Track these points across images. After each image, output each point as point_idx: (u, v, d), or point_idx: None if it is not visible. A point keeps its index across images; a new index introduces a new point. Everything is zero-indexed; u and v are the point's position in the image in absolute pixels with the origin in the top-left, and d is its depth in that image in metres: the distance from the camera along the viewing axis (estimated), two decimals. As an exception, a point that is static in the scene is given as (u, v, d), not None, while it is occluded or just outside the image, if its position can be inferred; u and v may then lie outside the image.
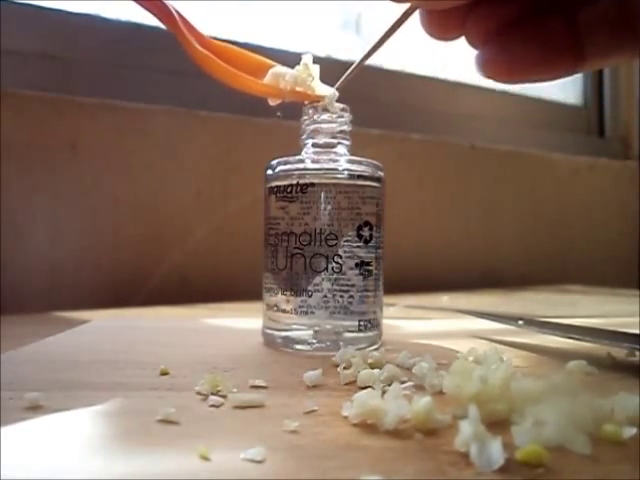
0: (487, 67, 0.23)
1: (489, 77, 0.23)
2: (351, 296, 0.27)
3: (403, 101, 0.82)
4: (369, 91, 0.76)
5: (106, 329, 0.34)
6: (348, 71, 0.28)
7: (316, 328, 0.28)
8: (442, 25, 0.23)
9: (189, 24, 0.27)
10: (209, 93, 0.64)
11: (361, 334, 0.28)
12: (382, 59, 0.80)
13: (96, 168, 0.56)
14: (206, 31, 0.28)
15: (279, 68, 0.29)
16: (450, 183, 0.81)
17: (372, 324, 0.28)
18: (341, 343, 0.27)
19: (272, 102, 0.29)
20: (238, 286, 0.58)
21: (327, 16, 0.77)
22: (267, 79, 0.29)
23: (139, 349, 0.28)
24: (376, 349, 0.28)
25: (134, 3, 0.25)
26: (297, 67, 0.28)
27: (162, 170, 0.59)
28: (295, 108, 0.29)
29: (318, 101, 0.29)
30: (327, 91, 0.29)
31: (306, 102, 0.29)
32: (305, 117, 0.29)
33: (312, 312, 0.27)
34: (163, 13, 0.26)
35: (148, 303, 0.53)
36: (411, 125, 0.79)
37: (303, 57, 0.28)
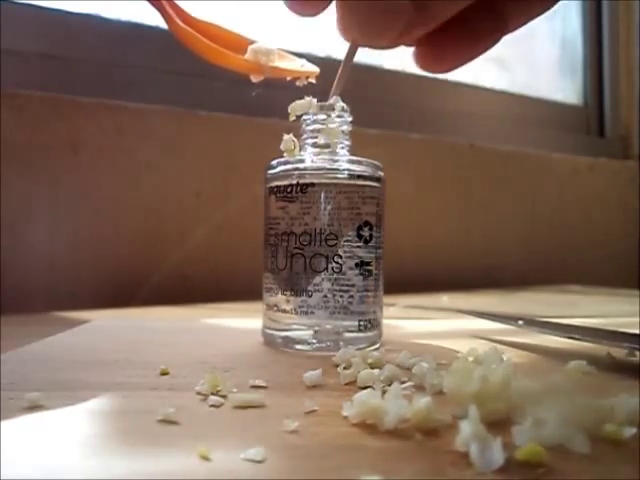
0: (423, 62, 0.25)
1: (427, 70, 0.25)
2: (351, 296, 0.27)
3: (403, 101, 0.82)
4: (369, 91, 0.76)
5: (106, 329, 0.34)
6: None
7: (316, 328, 0.27)
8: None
9: (171, 0, 0.28)
10: (209, 93, 0.64)
11: (361, 334, 0.28)
12: (382, 59, 0.80)
13: (96, 168, 0.56)
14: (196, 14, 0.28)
15: (259, 44, 0.29)
16: (450, 183, 0.81)
17: (372, 324, 0.28)
18: (341, 343, 0.27)
19: (254, 79, 0.29)
20: (238, 286, 0.58)
21: (327, 16, 0.77)
22: (247, 55, 0.29)
23: (139, 349, 0.28)
24: (376, 349, 0.28)
25: None
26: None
27: (162, 170, 0.59)
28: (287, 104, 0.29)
29: (299, 78, 0.29)
30: (310, 68, 0.29)
31: (288, 78, 0.29)
32: (305, 117, 0.29)
33: (312, 312, 0.27)
34: None
35: (148, 303, 0.53)
36: (411, 125, 0.79)
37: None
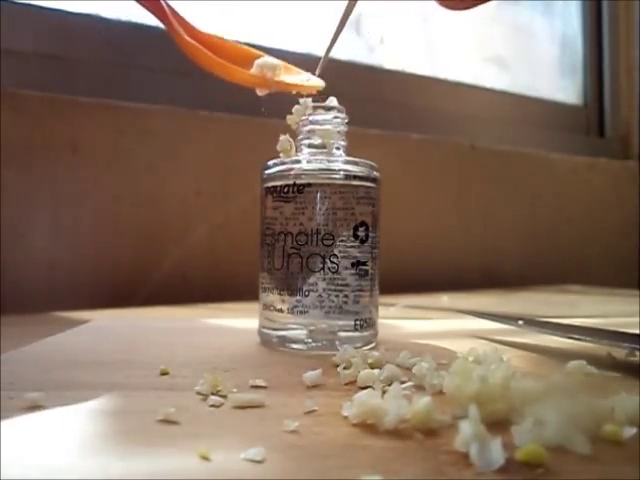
0: None
1: (447, 7, 0.24)
2: (347, 296, 0.28)
3: (403, 101, 0.81)
4: (369, 91, 0.76)
5: (106, 329, 0.34)
6: (322, 60, 0.28)
7: (311, 327, 0.28)
8: None
9: (178, 15, 0.28)
10: (209, 93, 0.64)
11: (357, 333, 0.28)
12: (382, 59, 0.80)
13: (96, 168, 0.56)
14: (203, 27, 0.29)
15: (265, 59, 0.29)
16: (450, 183, 0.81)
17: (368, 323, 0.28)
18: (337, 342, 0.27)
19: (260, 92, 0.30)
20: (238, 286, 0.58)
21: (327, 16, 0.77)
22: (253, 70, 0.29)
23: (139, 349, 0.28)
24: (371, 348, 0.28)
25: None
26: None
27: (162, 170, 0.59)
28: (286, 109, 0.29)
29: (305, 92, 0.29)
30: (315, 82, 0.29)
31: (294, 92, 0.29)
32: (301, 118, 0.29)
33: (307, 312, 0.27)
34: (153, 4, 0.27)
35: (148, 303, 0.53)
36: (411, 125, 0.79)
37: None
